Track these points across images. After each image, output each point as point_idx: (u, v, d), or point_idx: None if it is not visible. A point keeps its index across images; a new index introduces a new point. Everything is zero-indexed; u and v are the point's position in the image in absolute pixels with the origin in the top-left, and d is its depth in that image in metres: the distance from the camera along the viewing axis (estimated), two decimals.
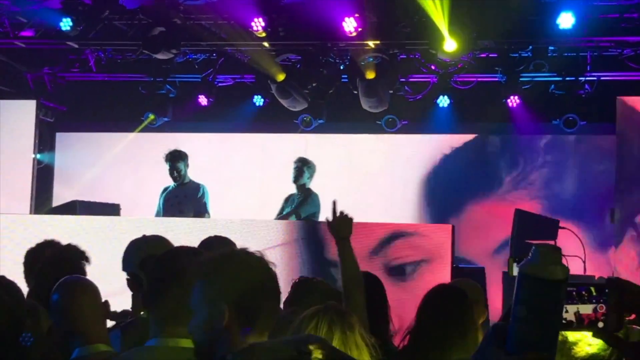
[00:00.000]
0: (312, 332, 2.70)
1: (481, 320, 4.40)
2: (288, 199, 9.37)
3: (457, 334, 3.56)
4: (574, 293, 1.38)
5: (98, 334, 3.38)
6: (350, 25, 9.40)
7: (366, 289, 3.86)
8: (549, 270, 1.29)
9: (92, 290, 3.49)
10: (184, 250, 3.00)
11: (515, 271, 4.57)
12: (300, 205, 9.16)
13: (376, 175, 11.12)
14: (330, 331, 2.74)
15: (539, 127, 10.64)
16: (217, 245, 4.50)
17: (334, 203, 4.00)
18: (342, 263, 3.82)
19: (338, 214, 3.96)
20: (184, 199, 9.48)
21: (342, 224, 3.92)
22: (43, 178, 11.73)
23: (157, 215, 9.47)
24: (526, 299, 1.29)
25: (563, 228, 8.70)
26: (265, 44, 10.13)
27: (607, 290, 1.39)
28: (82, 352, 3.33)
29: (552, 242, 8.34)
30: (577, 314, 1.38)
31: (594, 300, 1.39)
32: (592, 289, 1.39)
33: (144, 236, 4.26)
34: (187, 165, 9.58)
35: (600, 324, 1.39)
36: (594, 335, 1.45)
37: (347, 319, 2.82)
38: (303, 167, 9.24)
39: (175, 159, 9.48)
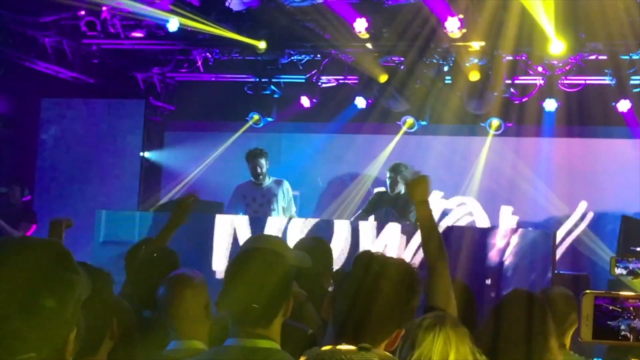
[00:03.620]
0: (428, 346, 2.70)
1: (572, 331, 4.27)
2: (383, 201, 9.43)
3: (518, 342, 3.45)
4: (632, 308, 1.32)
5: (195, 330, 3.41)
6: (454, 26, 9.30)
7: (456, 296, 3.81)
8: None
9: (197, 286, 3.50)
10: (258, 250, 3.01)
11: (617, 271, 4.38)
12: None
13: (480, 178, 10.95)
14: (445, 347, 2.73)
15: None
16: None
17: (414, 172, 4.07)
18: (422, 227, 3.81)
19: (415, 176, 3.98)
20: (265, 197, 9.67)
21: (419, 184, 3.93)
22: (151, 176, 12.04)
23: (228, 211, 9.63)
24: None
25: None
26: (369, 45, 10.14)
27: None
28: (176, 345, 3.37)
29: None
30: (636, 329, 1.31)
31: None
32: None
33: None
34: (267, 163, 9.78)
35: None
36: None
37: (460, 334, 2.79)
38: (396, 176, 9.28)
39: (256, 156, 9.67)
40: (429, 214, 3.85)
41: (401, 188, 9.28)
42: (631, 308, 1.31)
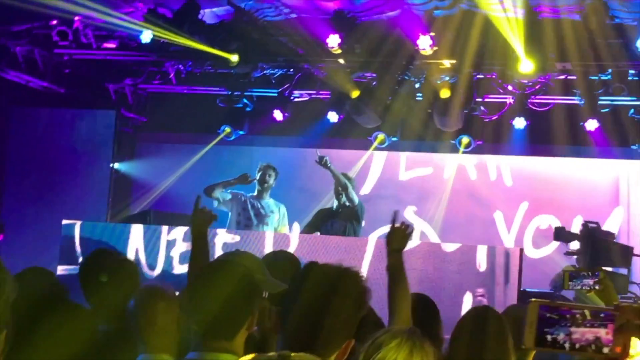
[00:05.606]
0: (393, 351, 2.68)
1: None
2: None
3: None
4: (568, 316, 1.37)
5: (165, 343, 3.37)
6: (425, 43, 9.38)
7: (419, 310, 3.83)
8: None
9: (169, 299, 3.47)
10: (225, 263, 3.01)
11: (570, 285, 4.41)
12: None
13: (448, 195, 11.03)
14: (411, 355, 2.69)
15: (617, 152, 10.41)
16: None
17: (395, 213, 3.94)
18: (391, 276, 3.77)
19: (398, 225, 3.92)
20: (263, 209, 9.69)
21: (399, 235, 3.88)
22: (122, 187, 11.99)
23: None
24: None
25: (638, 255, 8.47)
26: (341, 60, 10.19)
27: (606, 315, 1.37)
28: (144, 359, 3.34)
29: (624, 270, 8.12)
30: (571, 338, 1.36)
31: (587, 324, 1.37)
32: (587, 312, 1.38)
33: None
34: (274, 179, 9.83)
35: (606, 350, 1.37)
36: None
37: (426, 347, 2.78)
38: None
39: (269, 167, 9.82)
40: (401, 265, 3.80)
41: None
42: (568, 316, 1.37)
